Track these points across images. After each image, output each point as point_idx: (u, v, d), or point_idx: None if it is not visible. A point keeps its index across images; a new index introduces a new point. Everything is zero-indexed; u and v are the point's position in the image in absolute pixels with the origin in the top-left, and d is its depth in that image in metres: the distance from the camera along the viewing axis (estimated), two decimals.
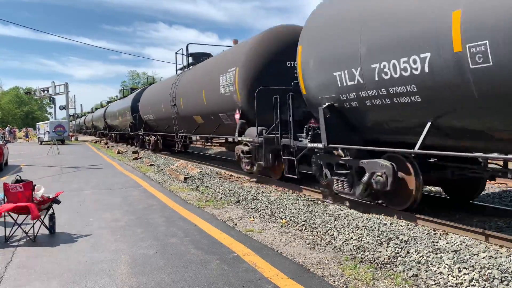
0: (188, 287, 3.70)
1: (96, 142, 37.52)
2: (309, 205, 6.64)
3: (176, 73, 16.92)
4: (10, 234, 5.35)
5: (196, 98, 12.94)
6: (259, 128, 8.98)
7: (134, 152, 19.77)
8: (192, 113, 13.80)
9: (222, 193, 8.52)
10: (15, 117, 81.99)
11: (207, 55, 15.57)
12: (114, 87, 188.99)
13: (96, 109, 59.58)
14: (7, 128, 47.97)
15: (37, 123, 41.16)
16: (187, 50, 16.20)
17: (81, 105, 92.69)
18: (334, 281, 3.81)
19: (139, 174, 12.48)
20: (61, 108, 46.21)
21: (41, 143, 34.57)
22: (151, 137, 20.72)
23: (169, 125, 17.24)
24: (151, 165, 14.75)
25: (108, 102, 49.87)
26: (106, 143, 32.96)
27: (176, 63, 17.07)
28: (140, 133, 22.32)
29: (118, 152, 21.86)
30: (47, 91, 44.83)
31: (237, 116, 9.97)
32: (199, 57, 15.72)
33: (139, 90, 25.85)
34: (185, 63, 16.44)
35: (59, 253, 4.77)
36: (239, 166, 10.61)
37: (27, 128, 54.06)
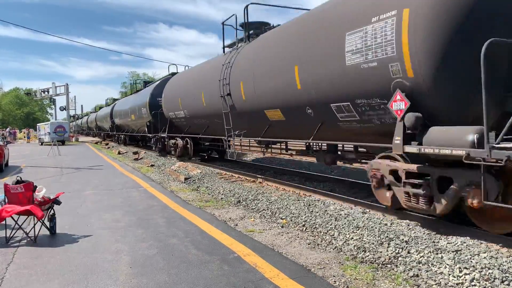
0: None
1: (96, 143, 37.51)
2: (309, 205, 6.64)
3: (224, 52, 12.01)
4: (11, 235, 5.36)
5: (276, 81, 8.08)
6: (474, 129, 4.32)
7: (135, 153, 19.80)
8: (263, 106, 8.77)
9: (222, 194, 8.52)
10: (15, 118, 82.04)
11: (267, 25, 10.86)
12: (115, 88, 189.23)
13: (100, 108, 53.61)
14: (7, 128, 48.03)
15: (38, 124, 41.19)
16: (247, 14, 10.45)
17: (82, 105, 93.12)
18: (335, 281, 3.81)
19: (140, 174, 12.48)
20: (62, 109, 46.26)
21: (41, 144, 34.59)
22: (177, 140, 16.10)
23: (209, 125, 12.81)
24: (152, 165, 14.76)
25: (115, 100, 41.88)
26: (107, 144, 32.91)
27: (223, 37, 12.02)
28: (163, 135, 17.43)
29: (119, 153, 21.88)
30: (48, 92, 44.87)
31: (399, 104, 5.18)
32: (258, 27, 10.83)
33: (159, 82, 20.33)
34: (236, 36, 11.22)
35: (60, 254, 4.77)
36: (369, 193, 6.50)
37: (28, 129, 54.12)
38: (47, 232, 5.62)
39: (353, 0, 6.24)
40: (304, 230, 5.65)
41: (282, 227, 5.90)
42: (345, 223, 5.44)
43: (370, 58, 5.58)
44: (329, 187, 8.91)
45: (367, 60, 5.62)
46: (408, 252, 4.25)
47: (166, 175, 12.03)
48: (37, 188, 5.50)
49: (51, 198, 5.67)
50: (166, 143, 17.62)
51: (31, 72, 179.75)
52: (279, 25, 9.88)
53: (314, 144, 8.90)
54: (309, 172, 10.80)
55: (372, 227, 5.14)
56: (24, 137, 48.07)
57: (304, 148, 9.73)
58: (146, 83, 26.78)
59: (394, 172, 5.45)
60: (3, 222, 5.37)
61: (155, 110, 18.26)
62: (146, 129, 20.03)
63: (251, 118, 9.67)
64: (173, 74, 19.37)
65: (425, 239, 4.58)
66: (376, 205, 6.36)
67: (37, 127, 40.39)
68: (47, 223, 5.64)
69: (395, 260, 4.17)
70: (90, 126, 54.79)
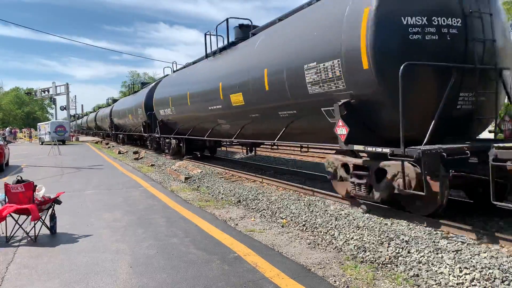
0: (189, 287, 3.70)
1: (97, 142, 37.49)
2: (309, 205, 6.64)
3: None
4: (12, 234, 5.36)
5: None
6: None
7: (135, 153, 19.77)
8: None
9: (223, 193, 8.52)
10: (16, 117, 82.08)
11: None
12: (115, 88, 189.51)
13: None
14: (8, 128, 48.10)
15: (38, 124, 41.21)
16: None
17: (82, 105, 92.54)
18: (335, 281, 3.81)
19: (140, 174, 12.48)
20: (62, 108, 46.29)
21: (42, 144, 34.60)
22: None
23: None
24: (152, 165, 14.75)
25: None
26: (107, 144, 32.84)
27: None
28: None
29: (119, 153, 21.87)
30: (48, 91, 44.89)
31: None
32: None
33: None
34: None
35: (60, 253, 4.77)
36: None
37: (29, 128, 54.25)
38: (48, 232, 5.62)
39: None
40: (304, 229, 5.65)
41: (283, 226, 5.90)
42: (345, 223, 5.44)
43: None
44: (330, 187, 8.90)
45: None
46: (408, 252, 4.25)
47: (167, 175, 12.03)
48: (37, 188, 5.50)
49: (52, 197, 5.67)
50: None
51: (31, 71, 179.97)
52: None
53: None
54: (310, 172, 10.79)
55: (372, 227, 5.14)
56: (25, 136, 48.17)
57: None
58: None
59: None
60: (3, 221, 5.37)
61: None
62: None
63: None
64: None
65: (425, 239, 4.57)
66: (377, 205, 6.36)
67: (38, 126, 40.42)
68: (48, 223, 5.64)
69: (395, 260, 4.17)
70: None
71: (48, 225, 5.64)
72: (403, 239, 4.58)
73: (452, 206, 5.83)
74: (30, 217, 5.35)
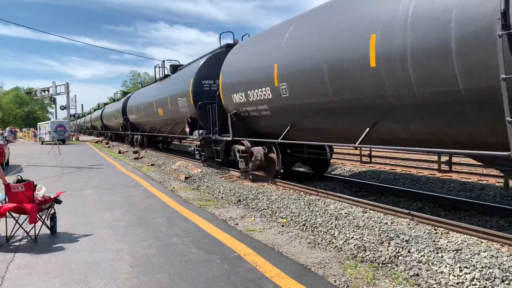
0: (190, 287, 3.70)
1: (97, 142, 37.50)
2: (309, 204, 6.64)
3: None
4: (12, 234, 5.36)
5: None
6: None
7: (135, 152, 19.79)
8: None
9: (223, 193, 8.52)
10: (16, 117, 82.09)
11: None
12: (116, 87, 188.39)
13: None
14: (8, 128, 48.14)
15: (38, 123, 41.25)
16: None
17: (82, 105, 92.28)
18: (335, 280, 3.81)
19: (140, 174, 12.49)
20: (62, 108, 46.30)
21: (42, 143, 34.63)
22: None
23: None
24: (152, 165, 14.76)
25: (126, 93, 32.72)
26: (107, 143, 32.87)
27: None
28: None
29: (119, 152, 21.88)
30: (48, 91, 44.90)
31: None
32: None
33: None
34: None
35: (61, 253, 4.78)
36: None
37: (29, 128, 54.34)
38: (48, 231, 5.62)
39: None
40: (304, 229, 5.65)
41: (283, 226, 5.90)
42: (345, 222, 5.45)
43: None
44: (330, 186, 8.91)
45: None
46: (409, 251, 4.25)
47: (167, 174, 12.04)
48: (37, 187, 5.50)
49: (52, 197, 5.67)
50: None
51: (31, 71, 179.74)
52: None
53: None
54: (309, 172, 10.79)
55: (372, 226, 5.15)
56: (25, 136, 48.23)
57: None
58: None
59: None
60: (4, 220, 5.38)
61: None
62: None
63: None
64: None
65: (425, 238, 4.58)
66: (377, 204, 6.37)
67: (38, 126, 40.46)
68: (48, 223, 5.65)
69: (396, 259, 4.17)
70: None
71: (48, 225, 5.64)
72: (403, 238, 4.58)
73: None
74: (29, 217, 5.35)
